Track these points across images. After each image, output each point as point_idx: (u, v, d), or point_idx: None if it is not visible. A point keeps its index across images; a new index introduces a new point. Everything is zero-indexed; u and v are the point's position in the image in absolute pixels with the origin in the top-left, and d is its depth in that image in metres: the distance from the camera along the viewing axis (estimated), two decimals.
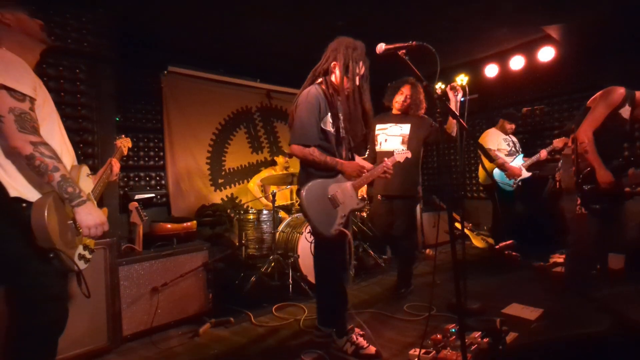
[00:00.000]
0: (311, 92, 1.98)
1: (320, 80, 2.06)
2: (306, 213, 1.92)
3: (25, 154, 1.24)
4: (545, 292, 2.81)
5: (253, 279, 3.18)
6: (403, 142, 2.93)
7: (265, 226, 3.69)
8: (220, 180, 4.68)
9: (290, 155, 4.64)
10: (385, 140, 2.99)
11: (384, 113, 3.10)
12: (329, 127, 2.02)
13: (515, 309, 2.46)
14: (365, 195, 3.62)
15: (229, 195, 4.74)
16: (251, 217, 3.73)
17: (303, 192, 1.93)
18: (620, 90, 2.39)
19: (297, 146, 1.96)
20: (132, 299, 2.33)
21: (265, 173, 4.52)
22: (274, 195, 3.49)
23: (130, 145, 2.14)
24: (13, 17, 1.39)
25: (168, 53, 4.10)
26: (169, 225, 2.93)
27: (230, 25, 3.52)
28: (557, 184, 2.75)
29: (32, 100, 1.31)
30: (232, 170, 4.83)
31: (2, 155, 1.29)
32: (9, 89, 1.24)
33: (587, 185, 2.43)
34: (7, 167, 1.30)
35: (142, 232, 2.84)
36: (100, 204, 1.60)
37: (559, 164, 2.79)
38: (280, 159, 4.57)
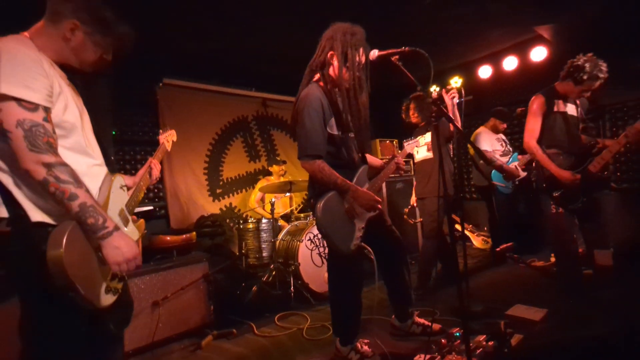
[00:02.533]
0: (311, 93, 1.79)
1: (317, 76, 1.88)
2: (324, 230, 1.75)
3: (38, 179, 1.01)
4: (548, 292, 2.80)
5: (254, 288, 3.16)
6: (428, 150, 3.03)
7: (265, 235, 3.68)
8: (218, 191, 4.68)
9: (285, 162, 4.64)
10: (417, 152, 3.12)
11: (416, 129, 3.18)
12: (335, 131, 1.85)
13: (519, 310, 2.44)
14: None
15: (228, 205, 4.73)
16: (251, 226, 3.72)
17: (320, 207, 1.74)
18: (538, 98, 2.65)
19: (305, 162, 1.78)
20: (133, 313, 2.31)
21: (263, 182, 4.51)
22: (272, 203, 3.48)
23: (175, 138, 1.97)
24: (79, 34, 1.19)
25: (163, 65, 4.12)
26: (168, 238, 2.90)
27: (224, 35, 3.55)
28: (534, 184, 2.82)
29: (47, 108, 1.07)
30: (230, 179, 4.82)
31: (20, 174, 1.06)
32: (17, 100, 1.01)
33: (554, 189, 2.58)
34: (25, 187, 1.07)
35: (141, 245, 2.82)
36: None
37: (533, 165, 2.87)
38: (274, 168, 4.56)
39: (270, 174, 4.69)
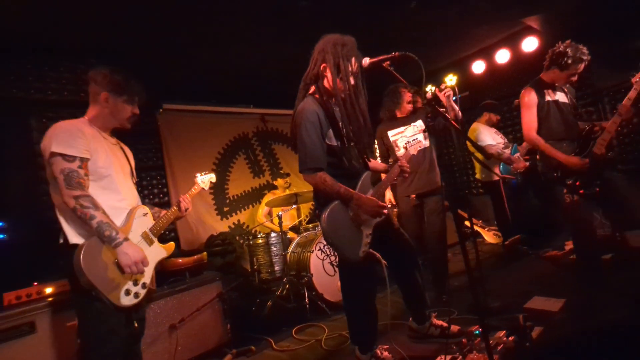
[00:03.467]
0: (306, 107, 1.80)
1: (312, 89, 1.90)
2: (331, 240, 1.77)
3: (71, 207, 1.47)
4: (564, 282, 2.76)
5: (269, 303, 3.15)
6: (426, 138, 2.91)
7: (275, 249, 3.68)
8: (225, 209, 4.71)
9: (288, 174, 4.66)
10: (407, 142, 3.01)
11: (388, 121, 3.08)
12: (334, 142, 1.87)
13: (537, 302, 2.41)
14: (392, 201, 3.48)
15: (236, 222, 4.75)
16: (260, 241, 3.73)
17: (324, 217, 1.76)
18: (528, 90, 2.68)
19: (307, 176, 1.81)
20: (151, 339, 2.31)
21: (269, 196, 4.54)
22: (280, 217, 3.50)
23: (213, 180, 2.41)
24: (112, 101, 1.69)
25: (161, 91, 4.20)
26: (180, 260, 2.92)
27: (218, 56, 3.62)
28: (541, 176, 2.78)
29: (83, 159, 1.54)
30: (235, 197, 4.85)
31: (65, 208, 1.51)
32: (62, 155, 1.49)
33: (566, 177, 2.55)
34: (68, 218, 1.54)
35: (166, 265, 2.84)
36: None
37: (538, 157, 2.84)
38: (279, 182, 4.59)
39: (275, 187, 4.71)
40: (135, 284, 1.59)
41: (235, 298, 3.34)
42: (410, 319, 2.25)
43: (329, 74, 1.81)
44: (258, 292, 3.52)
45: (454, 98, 3.03)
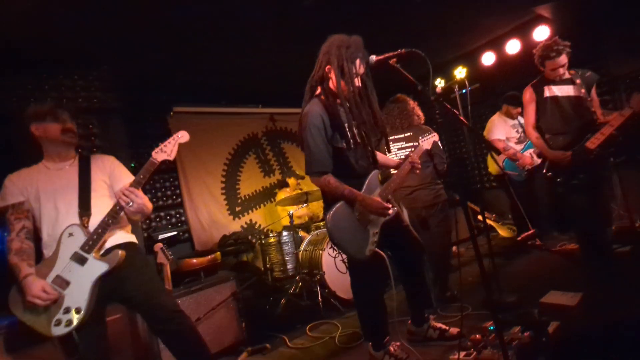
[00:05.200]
0: (311, 111, 1.83)
1: (319, 90, 1.91)
2: (335, 240, 1.81)
3: None
4: (580, 276, 2.70)
5: (283, 301, 3.19)
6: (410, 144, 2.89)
7: (287, 247, 3.72)
8: (237, 209, 4.76)
9: (303, 177, 4.68)
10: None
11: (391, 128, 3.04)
12: (340, 144, 1.87)
13: (554, 297, 2.37)
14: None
15: (248, 222, 4.81)
16: (272, 240, 3.77)
17: (329, 217, 1.80)
18: (527, 89, 2.86)
19: (313, 178, 1.87)
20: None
21: (281, 195, 4.57)
22: (291, 216, 3.52)
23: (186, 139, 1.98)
24: (41, 128, 1.76)
25: (172, 95, 4.27)
26: (194, 260, 2.98)
27: (226, 57, 3.65)
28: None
29: (13, 205, 1.70)
30: (247, 196, 4.91)
31: None
32: None
33: (550, 170, 2.70)
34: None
35: (169, 271, 2.90)
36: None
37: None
38: (291, 180, 4.62)
39: (287, 185, 4.74)
40: (66, 311, 1.57)
41: (249, 297, 3.39)
42: (410, 321, 2.22)
43: (333, 75, 1.83)
44: (271, 291, 3.56)
45: (463, 91, 3.00)
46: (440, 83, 4.89)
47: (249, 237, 4.30)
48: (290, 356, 2.43)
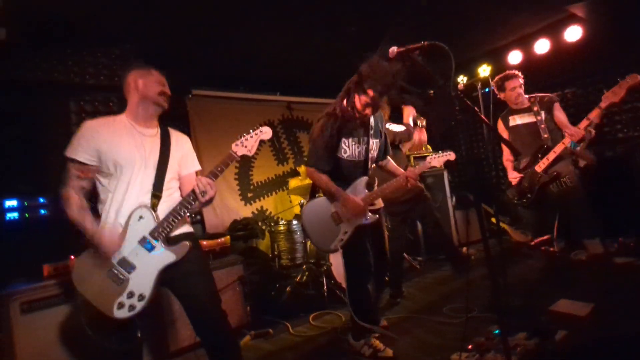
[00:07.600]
0: (323, 123, 2.02)
1: (344, 99, 2.04)
2: (305, 230, 2.13)
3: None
4: (593, 285, 2.63)
5: (288, 289, 3.22)
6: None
7: (296, 236, 3.73)
8: (249, 195, 4.80)
9: None
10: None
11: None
12: (343, 155, 2.05)
13: (563, 306, 2.32)
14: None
15: (259, 208, 4.84)
16: (282, 228, 3.79)
17: (304, 209, 2.12)
18: (498, 123, 3.34)
19: (307, 167, 2.11)
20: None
21: (293, 183, 4.58)
22: (302, 205, 3.52)
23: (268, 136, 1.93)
24: (141, 80, 1.69)
25: (191, 77, 4.28)
26: (204, 242, 3.03)
27: (247, 44, 3.64)
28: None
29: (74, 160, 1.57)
30: (259, 183, 4.93)
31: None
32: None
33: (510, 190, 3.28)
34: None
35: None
36: None
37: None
38: (302, 169, 4.62)
39: (298, 174, 4.74)
40: (130, 296, 1.52)
41: (255, 282, 3.43)
42: (350, 334, 2.22)
43: (351, 97, 2.01)
44: (278, 278, 3.59)
45: (486, 89, 2.98)
46: (462, 80, 4.77)
47: (259, 224, 4.34)
48: (292, 343, 2.46)
